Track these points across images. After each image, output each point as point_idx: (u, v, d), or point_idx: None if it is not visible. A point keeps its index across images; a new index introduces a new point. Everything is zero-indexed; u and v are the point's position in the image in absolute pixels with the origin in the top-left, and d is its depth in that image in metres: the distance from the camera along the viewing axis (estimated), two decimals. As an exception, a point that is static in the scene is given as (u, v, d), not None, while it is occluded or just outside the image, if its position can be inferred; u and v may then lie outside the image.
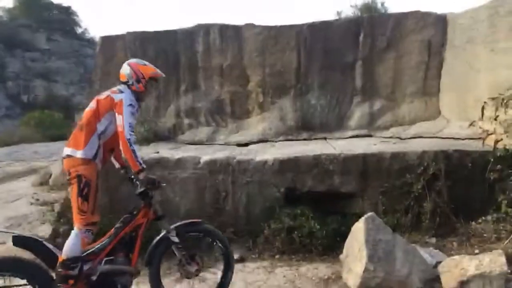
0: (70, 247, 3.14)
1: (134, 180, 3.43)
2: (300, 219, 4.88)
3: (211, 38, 6.98)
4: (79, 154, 3.24)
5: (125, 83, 3.51)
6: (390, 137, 6.23)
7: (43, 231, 5.43)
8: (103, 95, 3.43)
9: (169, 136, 7.10)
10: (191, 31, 7.08)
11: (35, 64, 25.59)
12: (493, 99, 4.60)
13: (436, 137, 5.89)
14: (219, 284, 3.63)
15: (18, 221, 5.83)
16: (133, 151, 3.18)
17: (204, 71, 7.07)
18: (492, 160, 4.58)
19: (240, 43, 6.93)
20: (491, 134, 4.59)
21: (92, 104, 3.40)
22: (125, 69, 3.55)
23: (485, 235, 4.45)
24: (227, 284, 3.61)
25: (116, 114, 3.26)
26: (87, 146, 3.26)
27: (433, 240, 4.61)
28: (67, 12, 29.95)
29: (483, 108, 4.68)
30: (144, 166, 3.23)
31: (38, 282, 3.07)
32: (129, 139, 3.18)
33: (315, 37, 6.74)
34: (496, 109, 4.54)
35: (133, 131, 3.23)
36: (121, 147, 3.22)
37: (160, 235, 3.43)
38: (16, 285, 3.06)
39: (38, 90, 24.96)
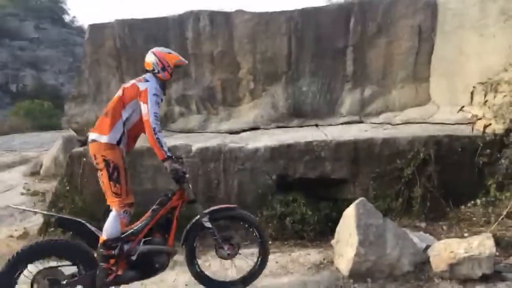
0: (110, 228, 3.26)
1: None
2: (292, 205, 4.92)
3: (201, 25, 6.91)
4: (104, 139, 3.36)
5: (151, 71, 3.57)
6: (381, 123, 6.25)
7: (34, 221, 5.43)
8: (129, 84, 3.53)
9: (160, 124, 7.05)
10: (181, 18, 7.01)
11: (23, 53, 25.19)
12: (482, 84, 4.63)
13: (427, 123, 5.92)
14: (253, 267, 3.68)
15: (10, 212, 5.81)
16: (159, 140, 3.29)
17: (195, 59, 7.02)
18: (481, 144, 4.62)
19: (230, 30, 6.88)
20: (480, 119, 4.63)
21: (119, 92, 3.51)
22: (150, 58, 3.59)
23: (474, 218, 4.52)
24: (262, 269, 3.69)
25: (141, 103, 3.36)
26: (112, 132, 3.37)
27: (423, 224, 4.67)
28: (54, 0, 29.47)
29: (472, 93, 4.71)
30: (170, 155, 3.33)
31: (82, 262, 3.26)
32: (155, 128, 3.29)
33: (306, 23, 6.71)
34: (485, 94, 4.57)
35: (158, 120, 3.33)
36: (147, 136, 3.32)
37: (194, 219, 3.54)
38: (61, 265, 3.25)
39: (27, 79, 24.59)
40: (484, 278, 3.43)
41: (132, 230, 3.39)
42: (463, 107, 4.98)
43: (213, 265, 3.99)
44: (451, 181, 4.80)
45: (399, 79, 6.52)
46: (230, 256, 3.58)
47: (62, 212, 5.13)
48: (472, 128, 4.73)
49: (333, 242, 4.17)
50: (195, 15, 6.93)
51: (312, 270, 4.00)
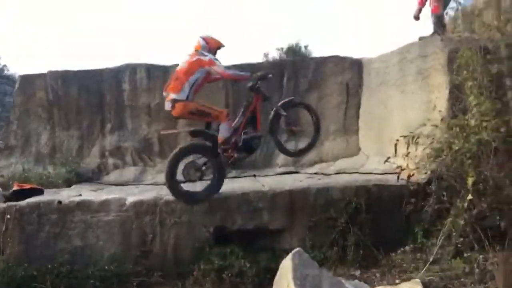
0: (223, 132, 5.07)
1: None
2: (230, 258, 4.85)
3: (138, 77, 6.96)
4: (179, 96, 4.98)
5: (200, 52, 5.11)
6: (315, 173, 6.48)
7: None
8: (193, 58, 5.07)
9: (93, 177, 6.83)
10: (118, 70, 7.02)
11: None
12: (404, 137, 4.98)
13: (357, 172, 6.22)
14: (311, 139, 5.67)
15: None
16: (236, 73, 5.28)
17: (131, 110, 6.99)
18: (407, 193, 4.91)
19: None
20: (404, 169, 4.93)
21: (183, 64, 5.11)
22: (200, 42, 5.20)
23: (404, 265, 4.68)
24: (316, 141, 5.73)
25: (211, 66, 5.04)
26: (182, 91, 4.99)
27: (358, 272, 4.77)
28: (-17, 47, 28.22)
29: (395, 145, 5.04)
30: (249, 73, 5.28)
31: (210, 155, 5.15)
32: (227, 72, 5.14)
33: (242, 78, 6.95)
34: (408, 146, 4.91)
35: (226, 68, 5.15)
36: (228, 79, 5.65)
37: (273, 111, 5.33)
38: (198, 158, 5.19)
39: None
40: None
41: (235, 127, 5.15)
42: (388, 158, 5.30)
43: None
44: (381, 228, 4.99)
45: (331, 131, 6.88)
46: (297, 132, 5.64)
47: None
48: (398, 178, 5.03)
49: (271, 294, 4.12)
50: (132, 68, 6.98)
51: (250, 325, 3.90)
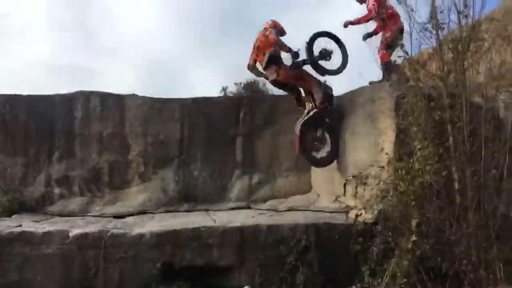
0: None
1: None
2: (177, 296, 4.71)
3: (91, 105, 6.83)
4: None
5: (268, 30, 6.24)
6: (268, 210, 6.49)
7: None
8: (266, 32, 6.22)
9: (36, 207, 6.51)
10: (70, 97, 6.87)
11: None
12: (354, 177, 5.14)
13: (309, 210, 6.29)
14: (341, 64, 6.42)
15: None
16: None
17: (82, 138, 6.81)
18: (355, 233, 5.01)
19: (122, 112, 6.88)
20: (353, 209, 5.06)
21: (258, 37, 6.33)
22: (269, 22, 6.35)
23: (352, 304, 4.73)
24: (346, 63, 6.43)
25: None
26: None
27: (306, 310, 4.76)
28: None
29: (345, 185, 5.18)
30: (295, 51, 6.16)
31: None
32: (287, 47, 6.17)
33: (199, 111, 7.00)
34: (356, 187, 5.06)
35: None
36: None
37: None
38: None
39: None
40: None
41: None
42: (338, 197, 5.43)
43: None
44: (330, 267, 5.04)
45: (284, 168, 6.97)
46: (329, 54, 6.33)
47: None
48: (347, 217, 5.14)
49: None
50: (86, 95, 6.85)
51: None
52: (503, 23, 5.95)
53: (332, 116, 6.21)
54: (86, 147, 6.81)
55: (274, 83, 6.39)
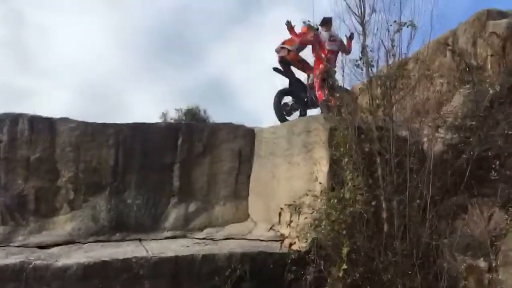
0: None
1: None
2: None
3: (19, 129, 6.46)
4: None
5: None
6: (204, 238, 6.38)
7: None
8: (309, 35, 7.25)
9: None
10: (-5, 119, 6.44)
11: None
12: (288, 206, 5.23)
13: (245, 239, 6.28)
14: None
15: None
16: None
17: (7, 163, 6.40)
18: (289, 261, 5.05)
19: (53, 137, 6.57)
20: (287, 237, 5.13)
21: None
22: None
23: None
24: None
25: None
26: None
27: None
28: None
29: (280, 213, 5.26)
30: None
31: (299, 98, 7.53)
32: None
33: (135, 137, 6.85)
34: (291, 215, 5.14)
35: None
36: None
37: None
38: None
39: None
40: None
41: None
42: (273, 225, 5.48)
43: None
44: (264, 297, 5.03)
45: (222, 196, 6.94)
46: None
47: None
48: (281, 246, 5.19)
49: None
50: (13, 118, 6.48)
51: None
52: (427, 63, 6.44)
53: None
54: (10, 173, 6.40)
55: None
